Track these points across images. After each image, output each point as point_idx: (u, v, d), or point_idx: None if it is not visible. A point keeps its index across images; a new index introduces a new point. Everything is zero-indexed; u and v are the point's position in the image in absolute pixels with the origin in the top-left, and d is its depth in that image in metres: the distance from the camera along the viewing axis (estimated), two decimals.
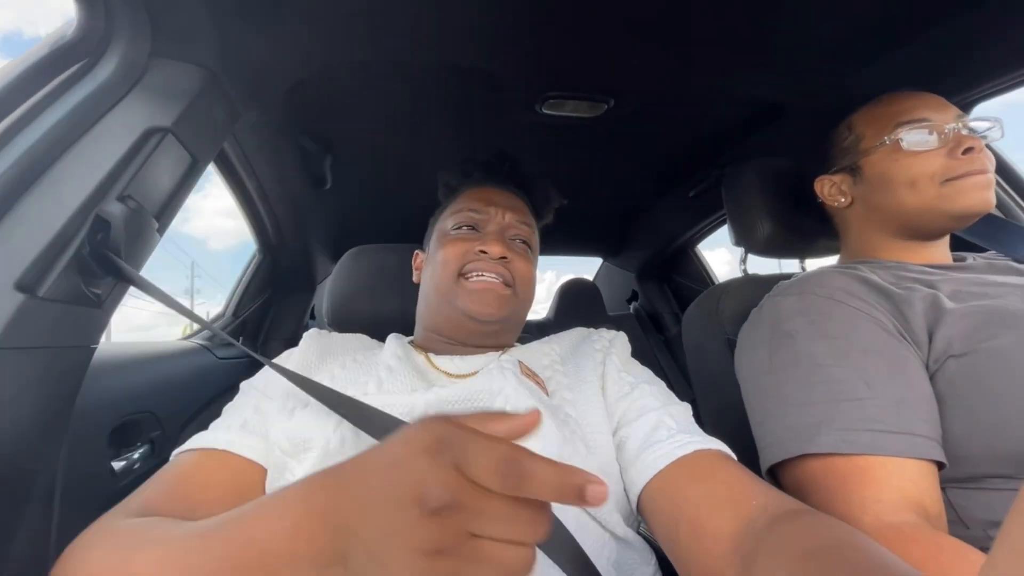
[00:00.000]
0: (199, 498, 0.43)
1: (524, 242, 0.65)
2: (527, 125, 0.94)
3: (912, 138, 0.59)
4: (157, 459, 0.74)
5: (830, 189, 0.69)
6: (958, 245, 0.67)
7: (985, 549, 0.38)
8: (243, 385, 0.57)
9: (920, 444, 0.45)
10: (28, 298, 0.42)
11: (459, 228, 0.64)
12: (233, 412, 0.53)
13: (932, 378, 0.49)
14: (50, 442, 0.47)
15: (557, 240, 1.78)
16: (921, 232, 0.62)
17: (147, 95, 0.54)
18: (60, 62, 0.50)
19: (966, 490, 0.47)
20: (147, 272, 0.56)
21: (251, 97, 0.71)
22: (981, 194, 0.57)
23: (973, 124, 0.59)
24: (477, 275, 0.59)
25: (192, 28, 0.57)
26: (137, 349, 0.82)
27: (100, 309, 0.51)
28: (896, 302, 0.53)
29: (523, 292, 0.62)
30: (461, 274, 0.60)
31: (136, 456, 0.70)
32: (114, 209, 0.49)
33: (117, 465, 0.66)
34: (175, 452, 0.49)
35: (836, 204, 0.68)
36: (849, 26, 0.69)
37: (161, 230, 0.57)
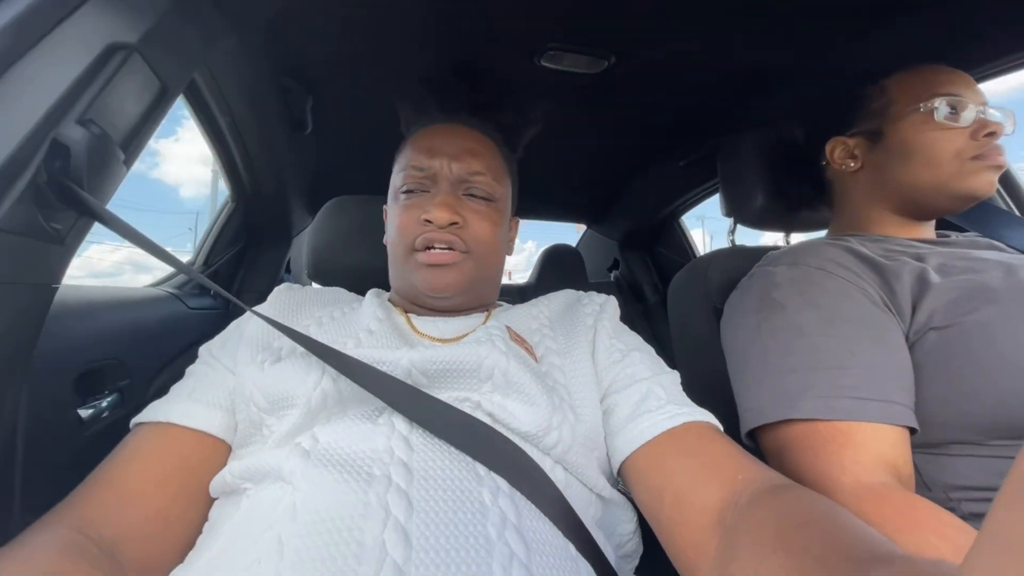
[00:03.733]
0: (136, 488, 0.42)
1: (484, 197, 0.57)
2: (523, 79, 0.90)
3: (947, 111, 0.58)
4: (127, 408, 0.71)
5: (841, 152, 0.68)
6: (941, 225, 0.68)
7: (949, 510, 0.41)
8: (200, 350, 0.54)
9: (896, 411, 0.47)
10: None
11: (408, 192, 0.58)
12: (186, 378, 0.51)
13: (911, 348, 0.51)
14: (9, 384, 0.44)
15: (542, 203, 1.75)
16: (921, 210, 0.63)
17: (107, 6, 0.47)
18: None
19: (930, 455, 0.50)
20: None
21: (230, 21, 0.64)
22: (991, 178, 0.59)
23: (992, 112, 0.59)
24: (428, 248, 0.54)
25: None
26: (104, 293, 0.77)
27: (62, 246, 0.47)
28: (884, 274, 0.55)
29: (482, 254, 0.57)
30: (413, 248, 0.55)
31: (104, 404, 0.67)
32: (74, 134, 0.44)
33: (84, 413, 0.63)
34: (132, 422, 0.47)
35: (844, 168, 0.67)
36: None
37: (128, 163, 0.52)
